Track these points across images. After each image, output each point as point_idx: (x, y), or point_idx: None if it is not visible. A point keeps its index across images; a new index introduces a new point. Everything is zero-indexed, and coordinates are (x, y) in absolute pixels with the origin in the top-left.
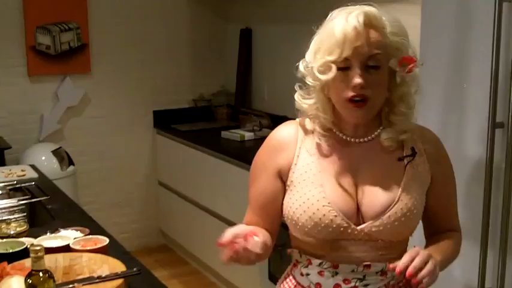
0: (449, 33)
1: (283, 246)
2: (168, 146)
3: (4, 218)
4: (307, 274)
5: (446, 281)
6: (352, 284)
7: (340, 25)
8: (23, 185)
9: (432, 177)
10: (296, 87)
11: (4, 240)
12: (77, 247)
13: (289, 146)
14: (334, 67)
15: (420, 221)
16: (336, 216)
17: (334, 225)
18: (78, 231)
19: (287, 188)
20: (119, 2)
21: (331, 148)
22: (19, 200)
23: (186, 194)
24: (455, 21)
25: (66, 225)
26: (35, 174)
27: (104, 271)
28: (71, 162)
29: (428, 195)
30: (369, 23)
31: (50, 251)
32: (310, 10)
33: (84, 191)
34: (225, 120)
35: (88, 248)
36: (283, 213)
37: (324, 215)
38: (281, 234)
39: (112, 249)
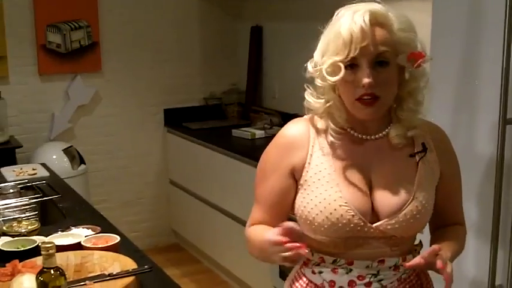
0: (460, 31)
1: None
2: (179, 144)
3: (15, 216)
4: (320, 272)
5: (457, 278)
6: (367, 280)
7: (346, 25)
8: (34, 183)
9: (441, 172)
10: (306, 86)
11: (15, 238)
12: (88, 245)
13: (302, 144)
14: (342, 68)
15: None
16: (353, 216)
17: (351, 225)
18: (90, 230)
19: (300, 187)
20: (130, 1)
21: (344, 147)
22: (30, 199)
23: (197, 192)
24: (466, 19)
25: (77, 224)
26: (46, 173)
27: (115, 269)
28: (82, 161)
29: (436, 190)
30: (375, 21)
31: (61, 249)
32: (320, 7)
33: (95, 190)
34: (236, 118)
35: (99, 245)
36: (296, 212)
37: (342, 215)
38: None
39: (123, 248)
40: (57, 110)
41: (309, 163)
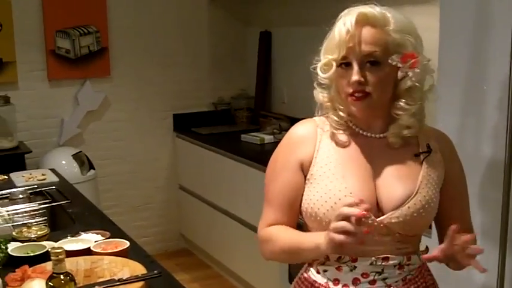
0: (468, 34)
1: None
2: (188, 149)
3: (25, 221)
4: (325, 271)
5: (466, 283)
6: (371, 278)
7: (338, 27)
8: (43, 189)
9: (446, 176)
10: (315, 83)
11: (25, 244)
12: (98, 250)
13: (310, 140)
14: (334, 66)
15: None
16: (357, 206)
17: None
18: (99, 235)
19: (307, 181)
20: (138, 6)
21: (349, 142)
22: (40, 204)
23: (206, 197)
24: (473, 22)
25: (86, 229)
26: (55, 178)
27: (125, 274)
28: (91, 167)
29: (441, 193)
30: (367, 22)
31: (71, 254)
32: (329, 12)
33: (104, 195)
34: (245, 123)
35: (109, 250)
36: (302, 209)
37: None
38: None
39: (133, 253)
40: (66, 116)
41: (316, 158)
